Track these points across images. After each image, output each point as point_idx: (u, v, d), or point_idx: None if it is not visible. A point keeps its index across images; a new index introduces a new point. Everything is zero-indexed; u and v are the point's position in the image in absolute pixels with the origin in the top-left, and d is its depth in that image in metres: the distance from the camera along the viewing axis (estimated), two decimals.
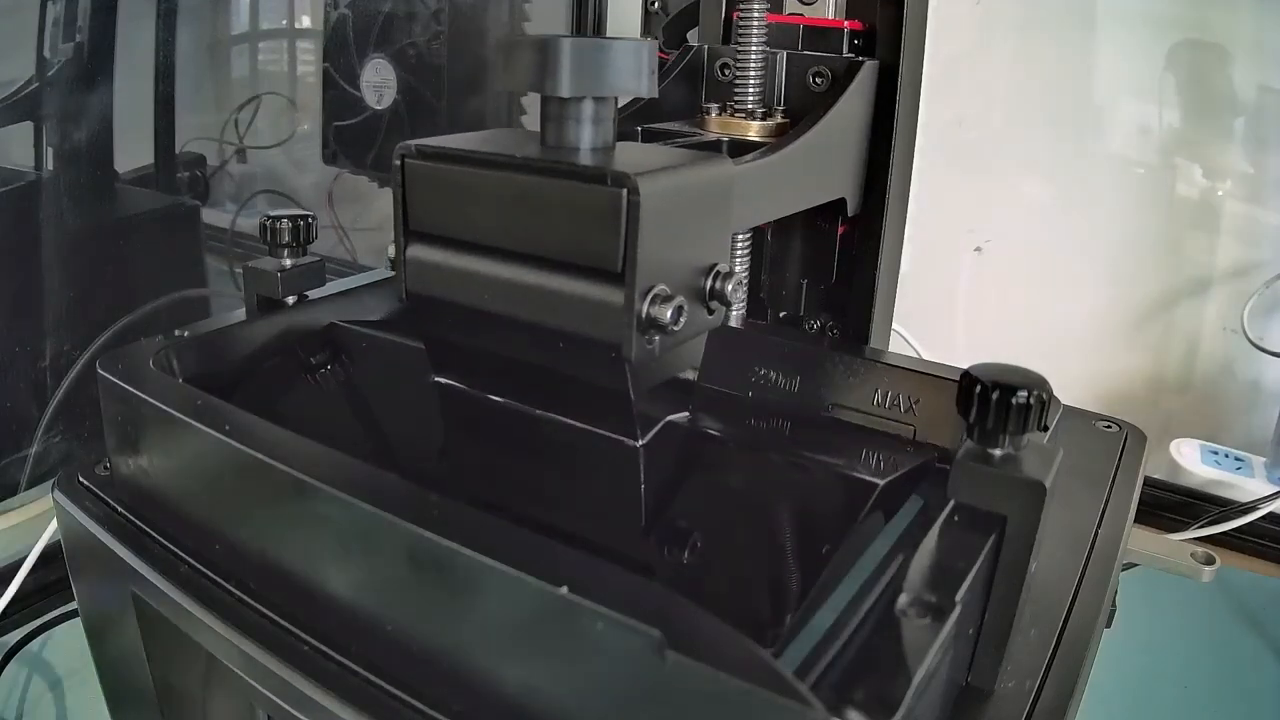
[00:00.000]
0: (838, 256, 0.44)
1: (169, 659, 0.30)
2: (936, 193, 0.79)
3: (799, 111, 0.41)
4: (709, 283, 0.29)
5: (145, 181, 0.82)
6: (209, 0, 0.97)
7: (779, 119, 0.41)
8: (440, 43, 0.80)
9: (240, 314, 0.38)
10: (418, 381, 0.35)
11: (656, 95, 0.31)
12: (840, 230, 0.43)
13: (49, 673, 0.50)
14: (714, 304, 0.30)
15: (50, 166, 0.68)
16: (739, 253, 0.42)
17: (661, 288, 0.27)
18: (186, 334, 0.34)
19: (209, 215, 0.91)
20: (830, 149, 0.39)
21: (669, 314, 0.27)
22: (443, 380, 0.34)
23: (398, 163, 0.30)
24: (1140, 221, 0.76)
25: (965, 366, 0.23)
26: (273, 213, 0.38)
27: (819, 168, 0.39)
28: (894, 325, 0.46)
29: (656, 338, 0.27)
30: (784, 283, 0.45)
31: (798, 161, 0.37)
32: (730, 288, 0.30)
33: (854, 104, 0.40)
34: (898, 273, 0.45)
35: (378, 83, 0.83)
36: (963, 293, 0.84)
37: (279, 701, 0.25)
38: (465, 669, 0.22)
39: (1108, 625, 0.30)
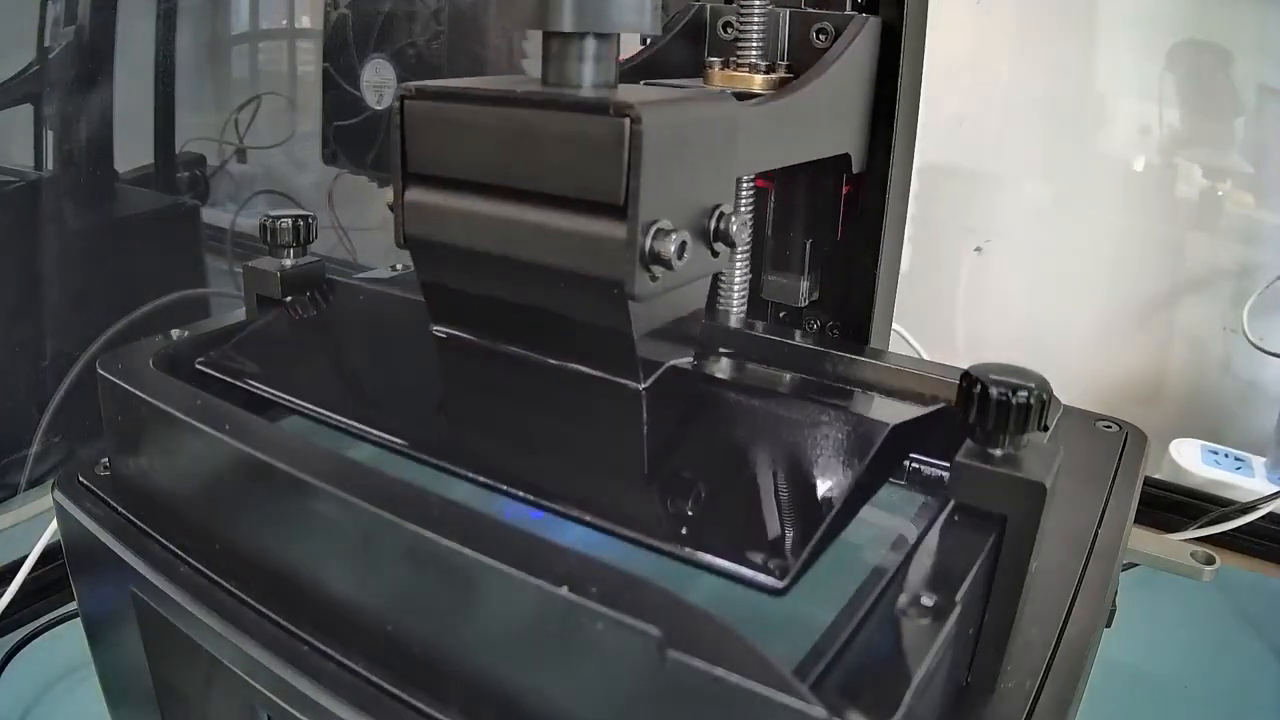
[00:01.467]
0: (842, 216, 0.43)
1: (169, 659, 0.30)
2: (937, 193, 0.79)
3: (802, 68, 0.40)
4: (713, 223, 0.29)
5: (145, 181, 0.83)
6: (209, 0, 0.97)
7: (782, 73, 0.41)
8: (440, 43, 0.80)
9: (240, 314, 0.38)
10: (417, 332, 0.34)
11: (659, 33, 0.30)
12: (845, 190, 0.43)
13: (49, 673, 0.50)
14: (718, 245, 0.29)
15: (50, 166, 0.68)
16: (742, 206, 0.41)
17: (665, 222, 0.27)
18: (186, 334, 0.34)
19: (209, 215, 0.91)
20: (834, 100, 0.39)
21: (672, 248, 0.26)
22: (442, 329, 0.34)
23: (397, 103, 0.30)
24: (1140, 221, 0.76)
25: (965, 366, 0.23)
26: (273, 213, 0.38)
27: (823, 118, 0.39)
28: (894, 325, 0.46)
29: (660, 273, 0.27)
30: (788, 242, 0.44)
31: (802, 109, 0.36)
32: (735, 228, 0.29)
33: (858, 57, 0.39)
34: (898, 271, 0.45)
35: (378, 83, 0.83)
36: (963, 293, 0.84)
37: (279, 701, 0.25)
38: (465, 669, 0.22)
39: (1108, 625, 0.30)
